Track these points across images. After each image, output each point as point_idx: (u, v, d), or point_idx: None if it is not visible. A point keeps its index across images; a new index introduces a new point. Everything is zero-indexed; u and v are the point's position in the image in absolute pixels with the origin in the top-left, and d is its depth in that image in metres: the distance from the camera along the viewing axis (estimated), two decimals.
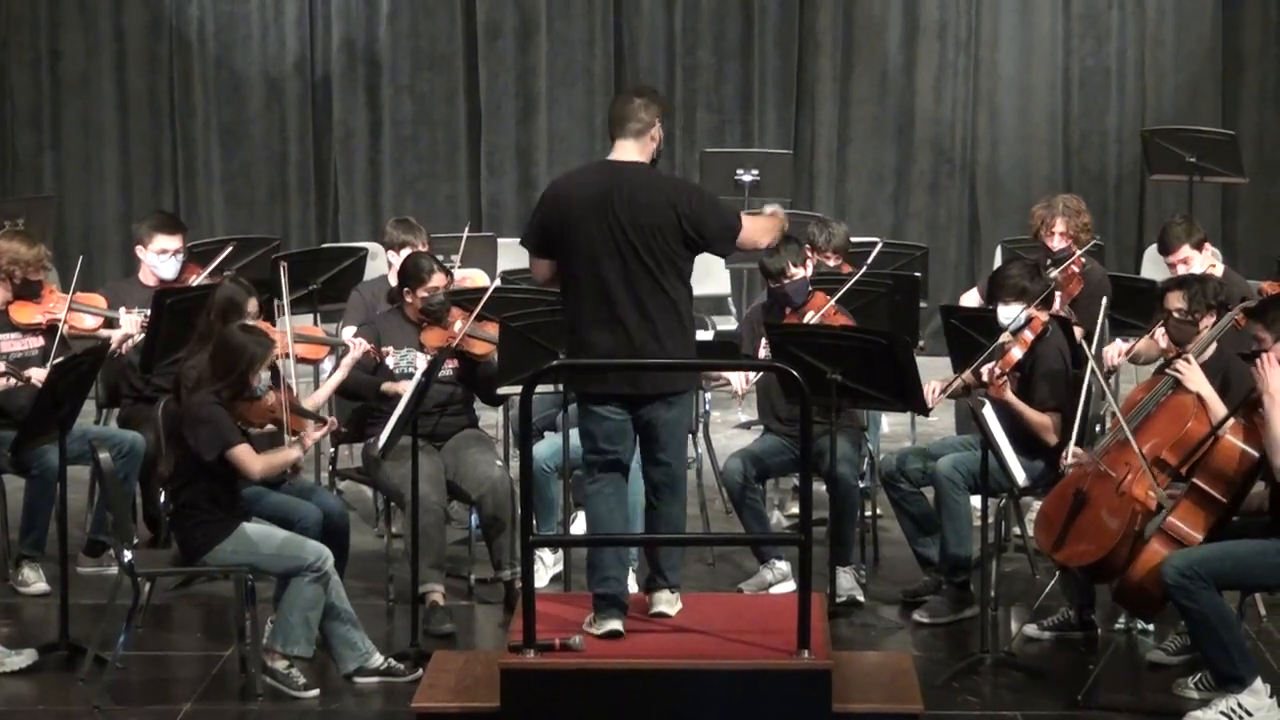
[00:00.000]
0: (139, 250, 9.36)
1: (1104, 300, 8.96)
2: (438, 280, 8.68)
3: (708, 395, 9.80)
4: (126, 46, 13.87)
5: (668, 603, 6.91)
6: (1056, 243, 9.55)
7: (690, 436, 8.60)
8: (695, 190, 6.98)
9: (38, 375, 8.47)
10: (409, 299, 8.70)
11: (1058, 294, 9.09)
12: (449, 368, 8.57)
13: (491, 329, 8.60)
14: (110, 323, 9.04)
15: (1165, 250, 9.41)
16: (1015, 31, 13.84)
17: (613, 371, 6.82)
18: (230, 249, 9.65)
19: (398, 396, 8.01)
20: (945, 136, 13.90)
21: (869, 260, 9.61)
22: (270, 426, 7.80)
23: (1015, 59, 13.86)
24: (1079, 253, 9.45)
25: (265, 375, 7.72)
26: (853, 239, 10.10)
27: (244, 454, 7.50)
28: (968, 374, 8.28)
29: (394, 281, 9.10)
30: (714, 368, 6.84)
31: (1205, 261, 9.29)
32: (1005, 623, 8.31)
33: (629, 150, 6.85)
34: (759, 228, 7.05)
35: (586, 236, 6.78)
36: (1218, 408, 7.46)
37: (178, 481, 7.58)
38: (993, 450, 7.66)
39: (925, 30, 13.84)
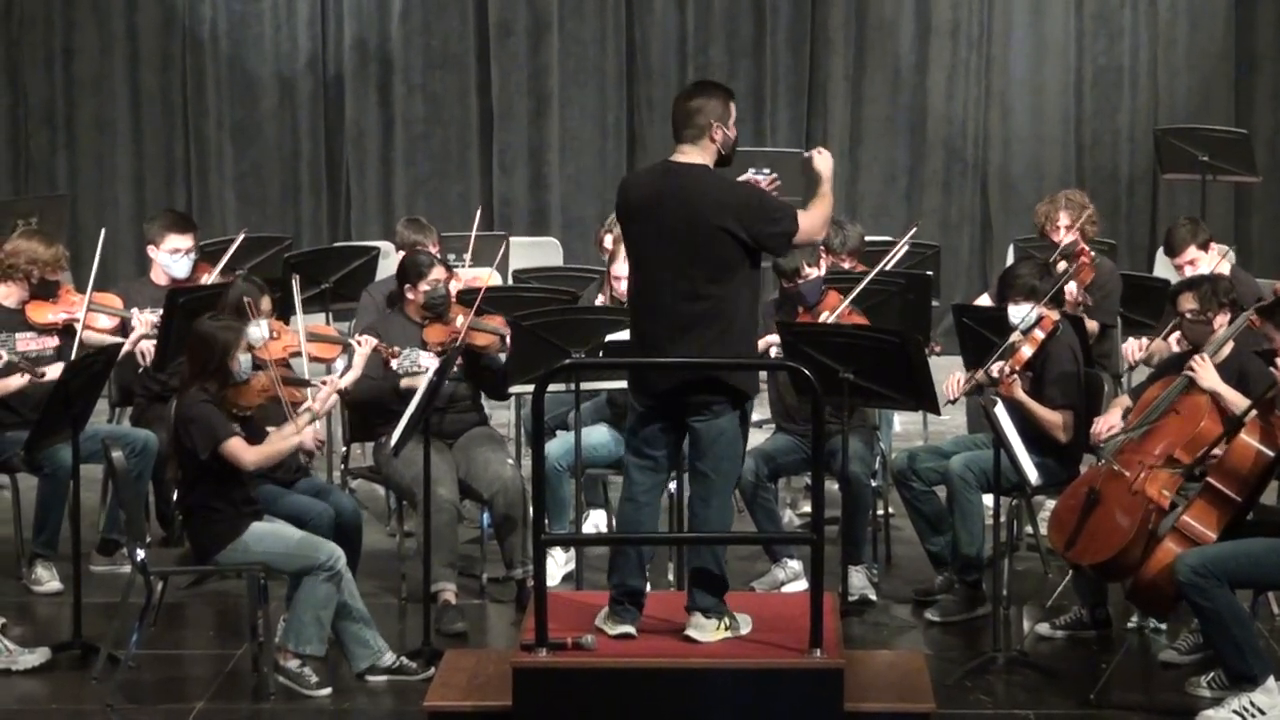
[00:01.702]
0: (150, 250, 9.37)
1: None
2: (437, 273, 8.67)
3: None
4: (139, 45, 13.90)
5: (697, 628, 6.80)
6: (1063, 236, 9.59)
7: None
8: (749, 196, 6.83)
9: (55, 372, 8.47)
10: (410, 295, 8.69)
11: (1073, 284, 9.10)
12: (456, 365, 8.51)
13: (494, 321, 8.59)
14: (125, 323, 9.05)
15: (1171, 252, 9.42)
16: (1027, 30, 13.83)
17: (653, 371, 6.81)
18: (241, 238, 9.64)
19: (414, 391, 7.99)
20: (957, 135, 13.89)
21: (893, 259, 9.59)
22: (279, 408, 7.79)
23: (1027, 58, 13.86)
24: (1081, 244, 9.45)
25: (245, 359, 7.65)
26: (866, 238, 10.09)
27: (235, 447, 7.46)
28: (981, 373, 8.27)
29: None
30: (726, 367, 6.81)
31: (1212, 261, 9.29)
32: (1018, 621, 8.30)
33: (687, 153, 6.80)
34: (815, 223, 6.91)
35: (637, 237, 6.79)
36: (1236, 400, 7.47)
37: (186, 482, 7.58)
38: (1005, 449, 7.65)
39: (937, 29, 13.83)
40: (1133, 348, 8.95)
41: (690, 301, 6.71)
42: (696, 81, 7.14)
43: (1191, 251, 9.32)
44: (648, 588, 7.04)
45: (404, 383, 8.44)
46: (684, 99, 6.85)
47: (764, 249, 6.83)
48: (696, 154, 6.78)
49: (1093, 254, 9.51)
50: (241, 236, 9.75)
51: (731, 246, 6.70)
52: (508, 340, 8.52)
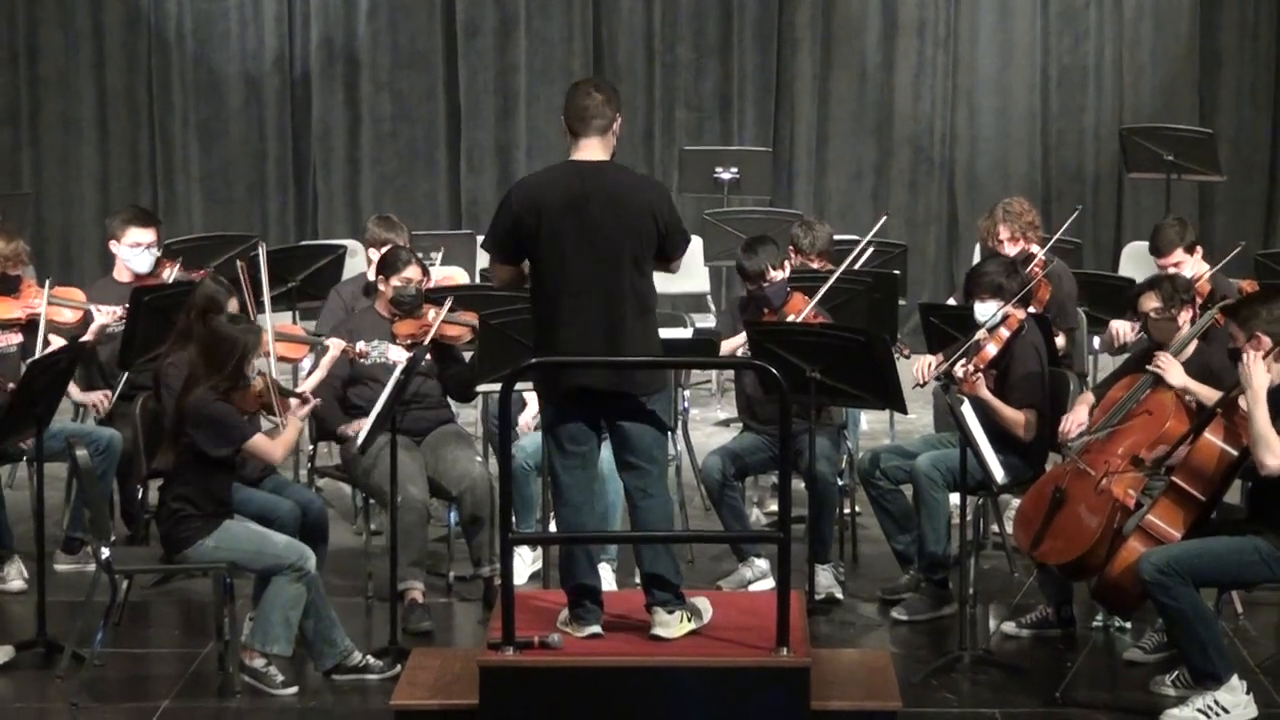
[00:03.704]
0: (112, 245, 9.34)
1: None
2: (411, 273, 8.65)
3: (686, 393, 9.79)
4: (105, 44, 13.86)
5: (662, 625, 6.80)
6: (1008, 249, 9.48)
7: (669, 434, 8.57)
8: (668, 195, 6.92)
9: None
10: (382, 288, 8.69)
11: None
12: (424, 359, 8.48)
13: (467, 315, 8.58)
14: (88, 315, 9.02)
15: (1157, 252, 9.34)
16: (994, 29, 13.87)
17: (577, 370, 6.79)
18: (179, 261, 9.57)
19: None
20: (924, 134, 13.92)
21: (859, 262, 9.58)
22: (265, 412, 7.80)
23: (994, 57, 13.89)
24: (1041, 253, 9.37)
25: (259, 363, 7.70)
26: (834, 236, 10.08)
27: (262, 444, 7.54)
28: (945, 366, 8.26)
29: (373, 277, 9.10)
30: (693, 365, 6.83)
31: (1196, 265, 9.26)
32: (983, 620, 8.31)
33: (595, 149, 6.75)
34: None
35: (558, 238, 6.69)
36: (1207, 393, 7.51)
37: (174, 477, 7.55)
38: (971, 448, 7.65)
39: (904, 28, 13.86)
40: (1124, 328, 8.91)
41: (629, 297, 6.71)
42: (588, 79, 7.08)
43: (1178, 254, 9.25)
44: (608, 584, 7.03)
45: (340, 430, 8.45)
46: (590, 94, 6.75)
47: (665, 246, 6.82)
48: (602, 149, 6.76)
49: (1045, 262, 9.39)
50: (179, 261, 9.63)
51: (655, 240, 6.75)
52: (476, 333, 8.50)
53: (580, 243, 6.68)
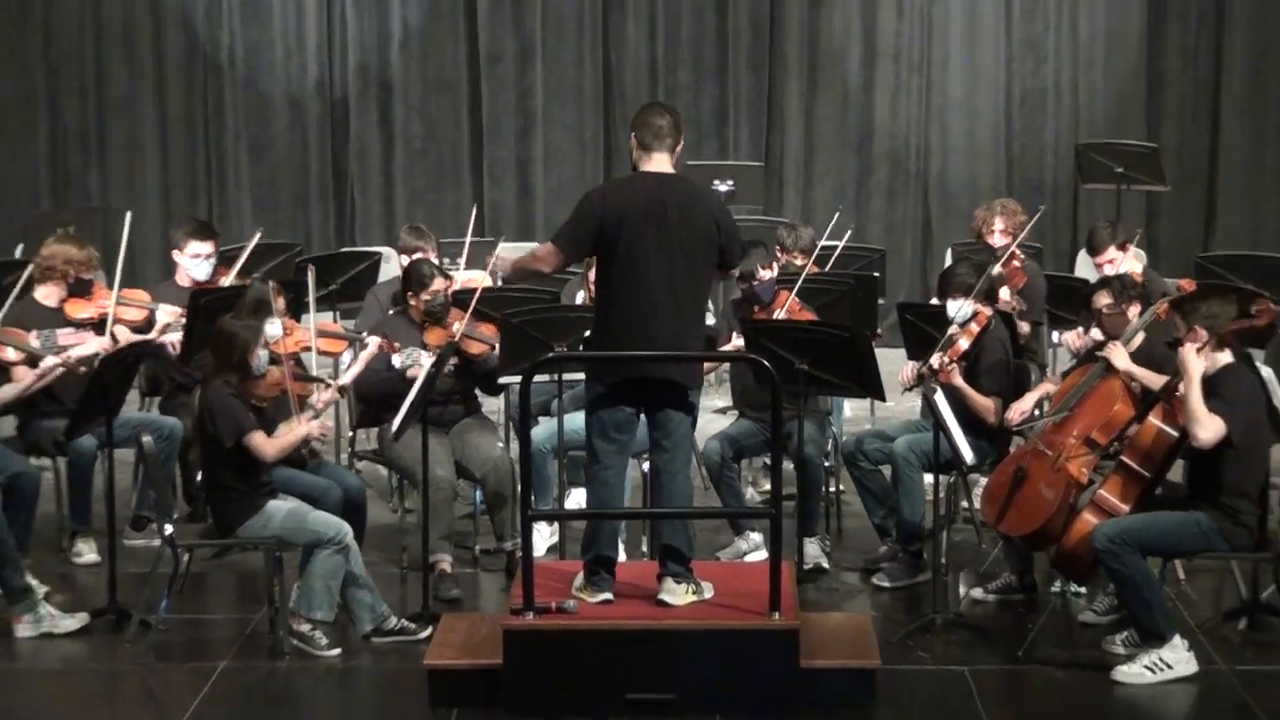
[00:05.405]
0: (175, 254, 9.36)
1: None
2: (438, 285, 8.68)
3: None
4: (165, 72, 13.88)
5: (670, 592, 6.85)
6: (997, 240, 9.63)
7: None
8: (727, 209, 7.04)
9: (91, 347, 8.44)
10: (413, 302, 8.71)
11: (1005, 286, 9.16)
12: (451, 364, 8.51)
13: (487, 330, 8.61)
14: (152, 314, 9.06)
15: (1093, 251, 9.46)
16: (962, 55, 13.87)
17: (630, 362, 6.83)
18: (256, 239, 9.65)
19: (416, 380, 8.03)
20: (901, 149, 13.92)
21: (828, 263, 9.64)
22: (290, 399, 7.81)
23: (963, 80, 13.89)
24: (1014, 245, 9.47)
25: (263, 354, 7.68)
26: (819, 242, 10.11)
27: (258, 440, 7.49)
28: (924, 365, 8.29)
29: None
30: (693, 359, 6.87)
31: (1129, 262, 9.34)
32: (954, 587, 8.33)
33: (665, 163, 6.81)
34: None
35: (641, 241, 6.73)
36: (1150, 377, 7.56)
37: (209, 465, 7.59)
38: (943, 432, 7.69)
39: (882, 54, 13.86)
40: (1070, 338, 8.99)
41: (690, 299, 6.78)
42: (658, 103, 7.13)
43: (1111, 251, 9.35)
44: (621, 557, 7.07)
45: (410, 373, 8.43)
46: (664, 114, 6.83)
47: (724, 252, 6.88)
48: (670, 164, 6.81)
49: (1023, 258, 9.54)
50: (257, 237, 9.76)
51: (716, 246, 6.84)
52: (497, 349, 8.54)
53: (659, 247, 6.73)
